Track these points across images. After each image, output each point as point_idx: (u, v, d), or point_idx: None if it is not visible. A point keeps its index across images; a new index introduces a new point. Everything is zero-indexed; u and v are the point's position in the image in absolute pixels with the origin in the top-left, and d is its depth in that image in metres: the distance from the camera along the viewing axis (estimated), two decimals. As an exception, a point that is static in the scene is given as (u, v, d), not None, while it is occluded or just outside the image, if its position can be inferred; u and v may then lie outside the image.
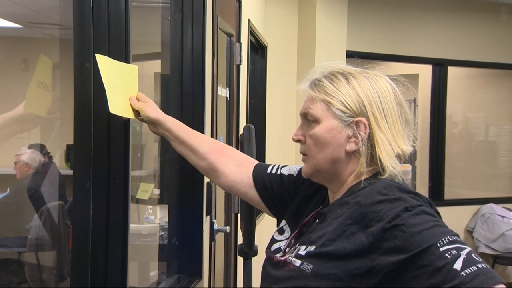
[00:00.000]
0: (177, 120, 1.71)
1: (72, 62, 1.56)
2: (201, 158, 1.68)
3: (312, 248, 1.32)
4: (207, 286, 2.60)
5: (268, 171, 1.62)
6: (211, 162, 1.67)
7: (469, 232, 6.41)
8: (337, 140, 1.37)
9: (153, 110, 1.65)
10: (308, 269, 1.29)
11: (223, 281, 3.25)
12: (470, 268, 1.16)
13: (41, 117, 1.81)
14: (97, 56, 1.49)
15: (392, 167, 1.35)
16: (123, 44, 1.58)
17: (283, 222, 1.54)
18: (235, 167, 1.65)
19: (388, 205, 1.27)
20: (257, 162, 1.69)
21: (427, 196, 6.02)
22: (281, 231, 1.53)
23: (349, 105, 1.36)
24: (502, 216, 6.31)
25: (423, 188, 6.50)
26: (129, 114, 1.61)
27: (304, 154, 1.44)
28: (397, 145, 1.37)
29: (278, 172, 1.61)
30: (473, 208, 6.50)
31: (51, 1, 3.66)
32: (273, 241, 1.51)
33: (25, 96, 1.78)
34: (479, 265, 1.16)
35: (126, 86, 1.62)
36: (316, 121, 1.39)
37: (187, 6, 2.39)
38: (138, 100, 1.65)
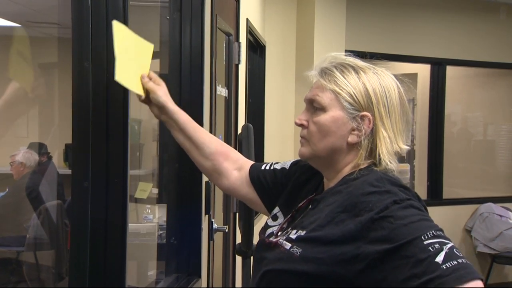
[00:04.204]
0: (184, 112, 1.70)
1: (70, 61, 1.56)
2: (206, 158, 1.69)
3: (302, 232, 1.36)
4: (206, 286, 2.60)
5: (262, 168, 1.68)
6: (215, 164, 1.69)
7: (468, 231, 6.42)
8: (340, 131, 1.41)
9: (164, 95, 1.63)
10: (297, 253, 1.33)
11: (221, 280, 3.25)
12: (451, 262, 1.19)
13: (33, 99, 1.80)
14: (114, 22, 1.47)
15: (390, 163, 1.40)
16: (121, 43, 1.58)
17: (277, 209, 1.58)
18: (236, 171, 1.70)
19: (378, 197, 1.31)
20: (252, 162, 1.73)
21: (426, 196, 6.03)
22: (274, 217, 1.57)
23: (357, 99, 1.40)
24: (501, 216, 6.32)
25: (421, 187, 6.50)
26: (137, 89, 1.58)
27: (303, 138, 1.47)
28: (397, 143, 1.42)
29: (272, 168, 1.66)
30: (471, 207, 6.50)
31: (50, 0, 3.66)
32: (266, 226, 1.56)
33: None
34: (460, 260, 1.20)
35: (139, 61, 1.59)
36: (323, 109, 1.42)
37: (185, 5, 2.38)
38: (150, 79, 1.61)
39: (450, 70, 6.55)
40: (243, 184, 1.68)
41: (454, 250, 1.22)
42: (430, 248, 1.21)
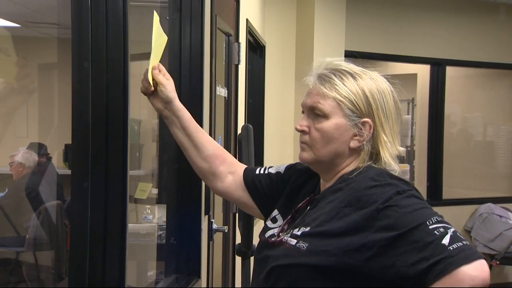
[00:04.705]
0: (187, 111, 1.70)
1: (70, 62, 1.56)
2: (204, 159, 1.70)
3: (307, 229, 1.40)
4: (205, 286, 2.60)
5: (257, 172, 1.70)
6: (212, 166, 1.70)
7: (467, 231, 6.41)
8: (343, 137, 1.45)
9: (172, 90, 1.64)
10: (303, 247, 1.37)
11: (221, 280, 3.25)
12: (456, 243, 1.27)
13: (22, 91, 1.77)
14: (155, 14, 1.54)
15: (393, 164, 1.46)
16: (121, 43, 1.58)
17: (275, 212, 1.60)
18: (230, 175, 1.71)
19: (381, 189, 1.38)
20: (246, 166, 1.75)
21: (425, 196, 6.04)
22: (274, 220, 1.59)
23: (358, 106, 1.44)
24: (500, 216, 6.31)
25: (421, 187, 6.49)
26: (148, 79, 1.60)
27: (305, 144, 1.49)
28: (395, 146, 1.48)
29: (266, 172, 1.68)
30: (471, 207, 6.50)
31: (50, 1, 3.66)
32: (266, 228, 1.58)
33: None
34: (464, 242, 1.28)
35: (154, 52, 1.60)
36: (325, 116, 1.45)
37: (185, 6, 2.38)
38: (159, 71, 1.62)
39: (449, 71, 6.55)
40: (237, 187, 1.69)
41: (457, 233, 1.30)
42: (435, 232, 1.28)
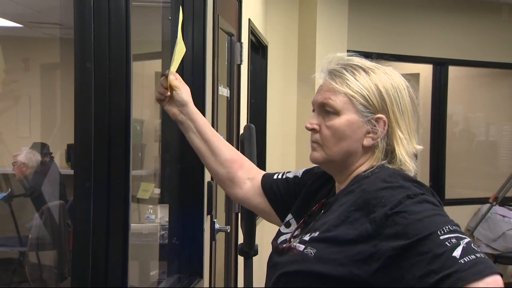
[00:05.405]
0: (203, 116, 1.69)
1: (73, 62, 1.56)
2: (221, 164, 1.67)
3: (316, 234, 1.33)
4: (208, 286, 2.60)
5: (275, 177, 1.65)
6: (230, 172, 1.67)
7: (470, 231, 6.41)
8: (356, 135, 1.38)
9: (187, 94, 1.65)
10: (311, 253, 1.30)
11: (223, 280, 3.26)
12: (469, 256, 1.16)
13: (8, 96, 1.78)
14: (181, 11, 1.58)
15: (408, 163, 1.39)
16: (123, 43, 1.58)
17: (289, 216, 1.55)
18: (248, 181, 1.68)
19: (391, 192, 1.28)
20: (264, 172, 1.71)
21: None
22: (287, 224, 1.54)
23: (371, 101, 1.37)
24: (503, 216, 6.31)
25: (423, 187, 6.48)
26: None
27: (316, 143, 1.43)
28: (412, 144, 1.41)
29: (284, 177, 1.63)
30: (473, 207, 6.49)
31: (52, 1, 3.67)
32: (279, 234, 1.53)
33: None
34: (477, 255, 1.17)
35: (176, 58, 1.62)
36: (336, 113, 1.38)
37: (187, 6, 2.38)
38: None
39: (452, 71, 6.55)
40: (256, 194, 1.65)
41: (472, 245, 1.19)
42: (447, 243, 1.18)
